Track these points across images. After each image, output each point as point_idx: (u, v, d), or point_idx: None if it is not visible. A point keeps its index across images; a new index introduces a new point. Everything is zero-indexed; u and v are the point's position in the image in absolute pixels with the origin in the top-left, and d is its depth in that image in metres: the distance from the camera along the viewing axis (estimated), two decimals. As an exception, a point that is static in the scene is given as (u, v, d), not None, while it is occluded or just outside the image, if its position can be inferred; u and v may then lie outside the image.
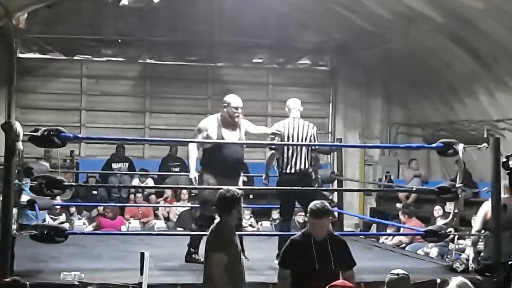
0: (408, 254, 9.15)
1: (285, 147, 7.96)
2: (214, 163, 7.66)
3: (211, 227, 5.58)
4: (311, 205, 5.58)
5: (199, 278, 5.85)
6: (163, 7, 14.66)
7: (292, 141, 7.98)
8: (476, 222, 7.85)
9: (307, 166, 8.01)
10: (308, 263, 5.40)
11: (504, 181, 7.84)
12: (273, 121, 16.89)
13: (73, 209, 13.18)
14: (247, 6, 15.40)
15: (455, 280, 4.95)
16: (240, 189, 5.87)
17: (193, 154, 7.74)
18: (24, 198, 11.98)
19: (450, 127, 15.21)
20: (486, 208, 7.68)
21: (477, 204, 11.66)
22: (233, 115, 7.73)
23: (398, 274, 5.25)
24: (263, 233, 11.38)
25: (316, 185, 8.29)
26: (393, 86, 17.11)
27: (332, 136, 16.60)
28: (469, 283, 4.95)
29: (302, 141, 8.02)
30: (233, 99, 7.83)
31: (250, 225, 13.32)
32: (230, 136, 7.74)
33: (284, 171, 7.99)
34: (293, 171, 7.96)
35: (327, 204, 5.66)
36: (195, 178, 7.66)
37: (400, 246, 11.17)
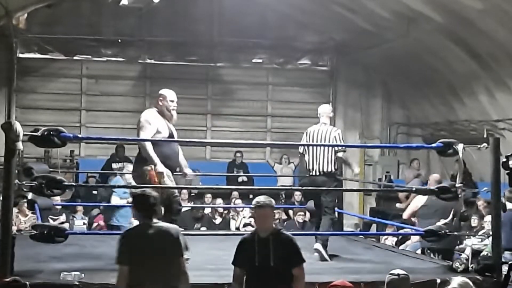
0: (408, 254, 9.13)
1: (310, 151, 8.18)
2: (169, 158, 7.40)
3: (141, 228, 5.48)
4: (256, 199, 5.57)
5: (198, 277, 5.87)
6: (163, 7, 14.66)
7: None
8: (407, 211, 9.88)
9: (330, 168, 8.17)
10: (250, 260, 5.41)
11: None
12: (273, 121, 17.07)
13: (79, 208, 13.13)
14: (247, 6, 15.41)
15: (457, 280, 4.95)
16: (240, 189, 5.84)
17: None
18: (114, 199, 12.14)
19: (450, 127, 15.21)
20: (416, 202, 9.45)
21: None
22: (170, 108, 7.56)
23: (398, 275, 5.25)
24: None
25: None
26: (393, 86, 17.12)
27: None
28: (470, 283, 4.95)
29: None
30: (169, 93, 7.61)
31: (250, 225, 13.31)
32: (174, 130, 7.57)
33: (310, 173, 8.25)
34: (316, 173, 8.18)
35: (270, 198, 5.64)
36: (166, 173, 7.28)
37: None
